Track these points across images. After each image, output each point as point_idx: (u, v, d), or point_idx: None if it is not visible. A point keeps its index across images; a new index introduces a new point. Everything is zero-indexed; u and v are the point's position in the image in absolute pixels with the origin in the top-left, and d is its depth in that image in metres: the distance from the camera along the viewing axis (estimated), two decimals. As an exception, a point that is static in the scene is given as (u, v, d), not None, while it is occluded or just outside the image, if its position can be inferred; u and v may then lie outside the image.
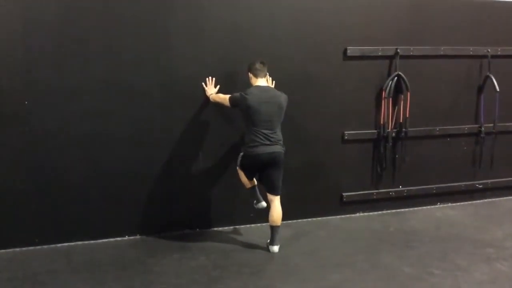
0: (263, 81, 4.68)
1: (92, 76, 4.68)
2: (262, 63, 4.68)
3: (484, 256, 4.59)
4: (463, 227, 5.36)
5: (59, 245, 4.77)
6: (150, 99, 4.90)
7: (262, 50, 5.06)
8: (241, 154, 4.73)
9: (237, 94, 4.63)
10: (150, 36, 4.80)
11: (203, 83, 4.98)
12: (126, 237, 5.00)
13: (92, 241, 4.87)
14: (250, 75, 4.69)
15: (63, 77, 4.61)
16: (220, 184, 5.25)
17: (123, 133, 4.85)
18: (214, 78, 4.99)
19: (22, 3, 4.44)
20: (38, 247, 4.71)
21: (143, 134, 4.92)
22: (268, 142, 4.55)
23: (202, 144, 5.12)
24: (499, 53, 5.97)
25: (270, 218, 4.73)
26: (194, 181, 5.15)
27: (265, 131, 4.53)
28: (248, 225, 5.35)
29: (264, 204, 4.87)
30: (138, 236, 5.03)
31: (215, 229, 5.26)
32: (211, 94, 4.95)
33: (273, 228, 4.72)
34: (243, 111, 4.59)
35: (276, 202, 4.72)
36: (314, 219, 5.57)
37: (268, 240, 4.77)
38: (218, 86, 4.99)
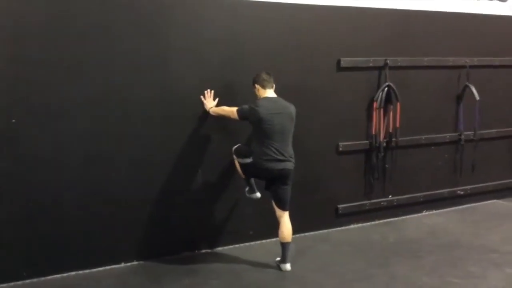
0: (272, 92, 4.50)
1: (86, 92, 4.30)
2: (268, 73, 4.50)
3: (491, 262, 4.66)
4: (458, 234, 5.44)
5: (49, 277, 4.29)
6: (147, 115, 4.57)
7: (258, 62, 4.89)
8: (250, 161, 4.47)
9: (246, 107, 4.41)
10: (146, 49, 4.49)
11: (201, 97, 4.73)
12: (123, 264, 4.60)
13: (86, 271, 4.42)
14: (258, 86, 4.49)
15: (55, 93, 4.19)
16: (218, 204, 5.00)
17: (119, 153, 4.49)
18: (212, 91, 4.76)
19: (8, 10, 4.00)
20: (27, 281, 4.21)
21: (139, 153, 4.57)
22: (281, 157, 4.36)
23: (201, 161, 4.85)
24: (475, 63, 6.19)
25: (280, 235, 4.54)
26: (191, 201, 4.85)
27: (278, 144, 4.35)
28: (247, 243, 5.13)
29: (258, 195, 4.79)
30: (135, 262, 4.64)
31: (216, 249, 4.98)
32: (211, 107, 4.71)
33: (284, 245, 4.53)
34: (254, 124, 4.39)
35: (285, 218, 4.56)
36: (312, 233, 5.43)
37: (279, 258, 4.58)
38: (217, 99, 4.77)
